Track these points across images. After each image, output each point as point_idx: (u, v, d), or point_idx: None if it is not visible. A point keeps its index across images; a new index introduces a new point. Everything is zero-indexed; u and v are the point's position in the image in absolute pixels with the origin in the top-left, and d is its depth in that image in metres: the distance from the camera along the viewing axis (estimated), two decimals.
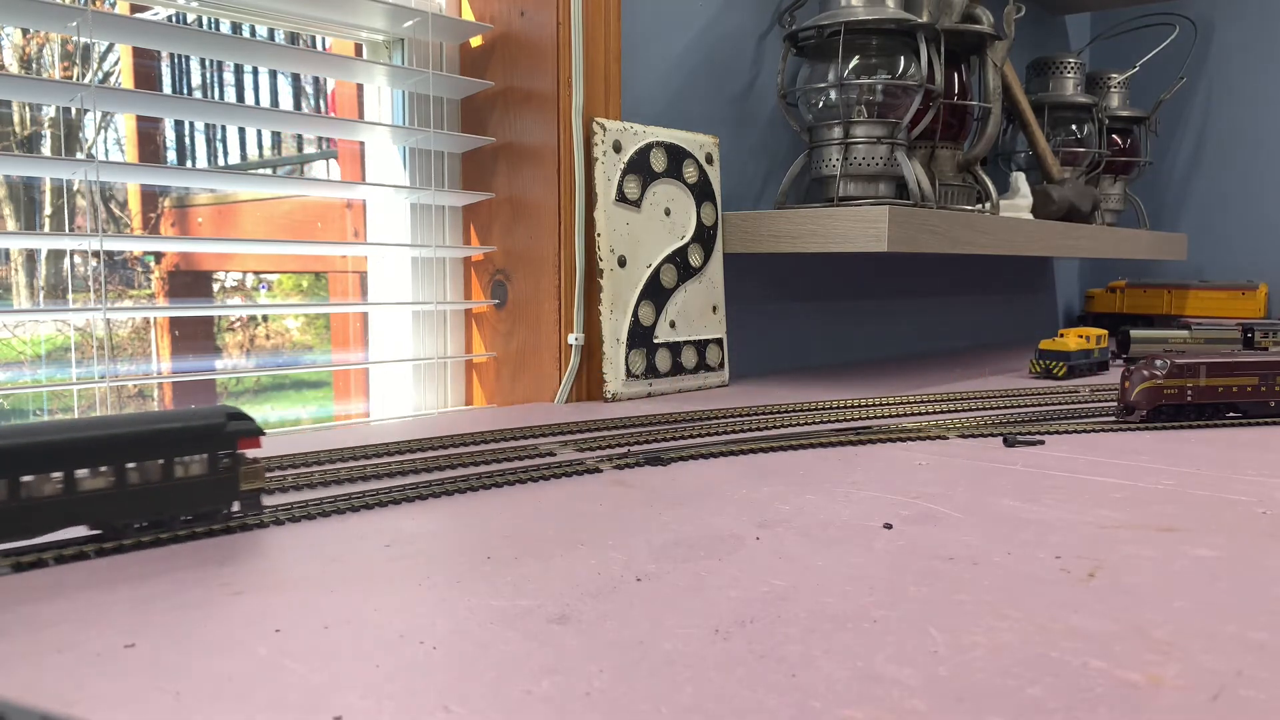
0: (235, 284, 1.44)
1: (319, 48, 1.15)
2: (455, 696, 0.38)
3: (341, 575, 0.52)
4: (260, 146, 1.47)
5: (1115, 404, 1.07)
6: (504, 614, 0.46)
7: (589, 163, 1.07)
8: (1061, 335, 1.38)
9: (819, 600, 0.49)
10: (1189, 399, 0.99)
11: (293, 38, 1.15)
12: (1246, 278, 1.91)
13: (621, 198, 1.10)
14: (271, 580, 0.51)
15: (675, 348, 1.16)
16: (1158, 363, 0.99)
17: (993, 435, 0.93)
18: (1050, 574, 0.53)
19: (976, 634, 0.45)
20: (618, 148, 1.10)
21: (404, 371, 1.13)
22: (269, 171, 1.52)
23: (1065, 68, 1.71)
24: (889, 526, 0.62)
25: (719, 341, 1.22)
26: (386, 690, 0.38)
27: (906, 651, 0.43)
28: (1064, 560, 0.56)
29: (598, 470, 0.77)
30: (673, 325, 1.16)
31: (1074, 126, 1.71)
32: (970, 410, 1.08)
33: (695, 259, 1.18)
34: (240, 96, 1.38)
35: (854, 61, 1.21)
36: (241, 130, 1.39)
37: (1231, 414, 1.01)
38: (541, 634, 0.44)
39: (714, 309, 1.22)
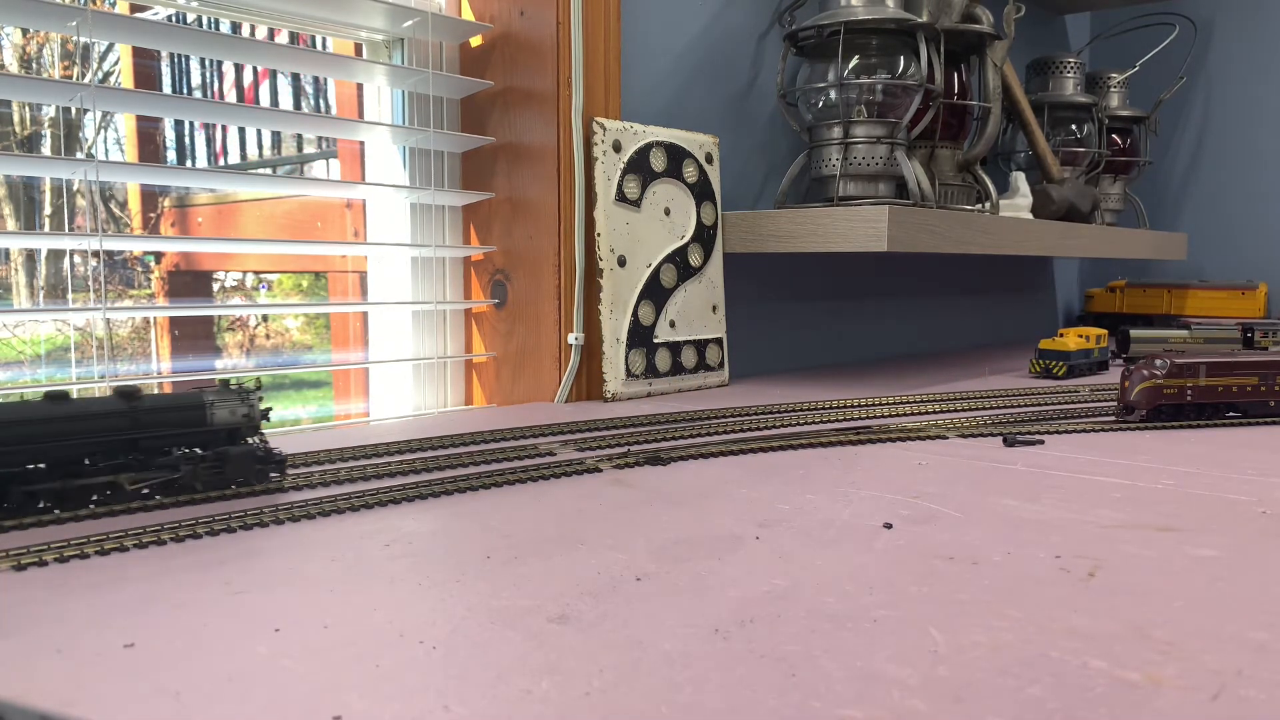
0: (235, 284, 1.44)
1: (320, 47, 1.15)
2: (455, 696, 0.38)
3: (341, 575, 0.52)
4: (260, 146, 1.47)
5: (1115, 404, 1.07)
6: (504, 613, 0.46)
7: (589, 162, 1.07)
8: (1061, 335, 1.38)
9: (819, 600, 0.49)
10: (1189, 399, 0.99)
11: (293, 38, 1.15)
12: (1246, 277, 1.91)
13: (621, 197, 1.10)
14: (271, 580, 0.51)
15: (675, 347, 1.16)
16: (1157, 362, 0.99)
17: (993, 435, 0.93)
18: (1050, 574, 0.53)
19: (976, 634, 0.45)
20: (617, 147, 1.10)
21: (404, 371, 1.12)
22: (269, 171, 1.52)
23: (1065, 67, 1.71)
24: (889, 526, 0.62)
25: (719, 341, 1.22)
26: (386, 690, 0.38)
27: (906, 651, 0.43)
28: (1064, 560, 0.56)
29: (598, 470, 0.77)
30: (672, 325, 1.16)
31: (1074, 126, 1.71)
32: (970, 410, 1.08)
33: (695, 259, 1.18)
34: (240, 96, 1.38)
35: (854, 61, 1.21)
36: (241, 130, 1.39)
37: (1231, 413, 1.01)
38: (541, 634, 0.44)
39: (714, 309, 1.22)
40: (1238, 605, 0.49)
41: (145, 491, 0.63)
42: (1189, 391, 0.99)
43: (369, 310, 1.17)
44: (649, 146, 1.13)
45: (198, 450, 0.65)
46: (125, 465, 0.63)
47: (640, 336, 1.12)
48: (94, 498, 0.62)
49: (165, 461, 0.64)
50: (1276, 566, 0.55)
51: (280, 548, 0.56)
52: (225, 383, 0.67)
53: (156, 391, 0.67)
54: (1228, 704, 0.38)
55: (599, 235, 1.08)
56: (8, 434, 0.58)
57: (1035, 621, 0.46)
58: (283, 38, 1.15)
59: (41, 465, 0.60)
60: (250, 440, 0.67)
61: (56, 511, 0.60)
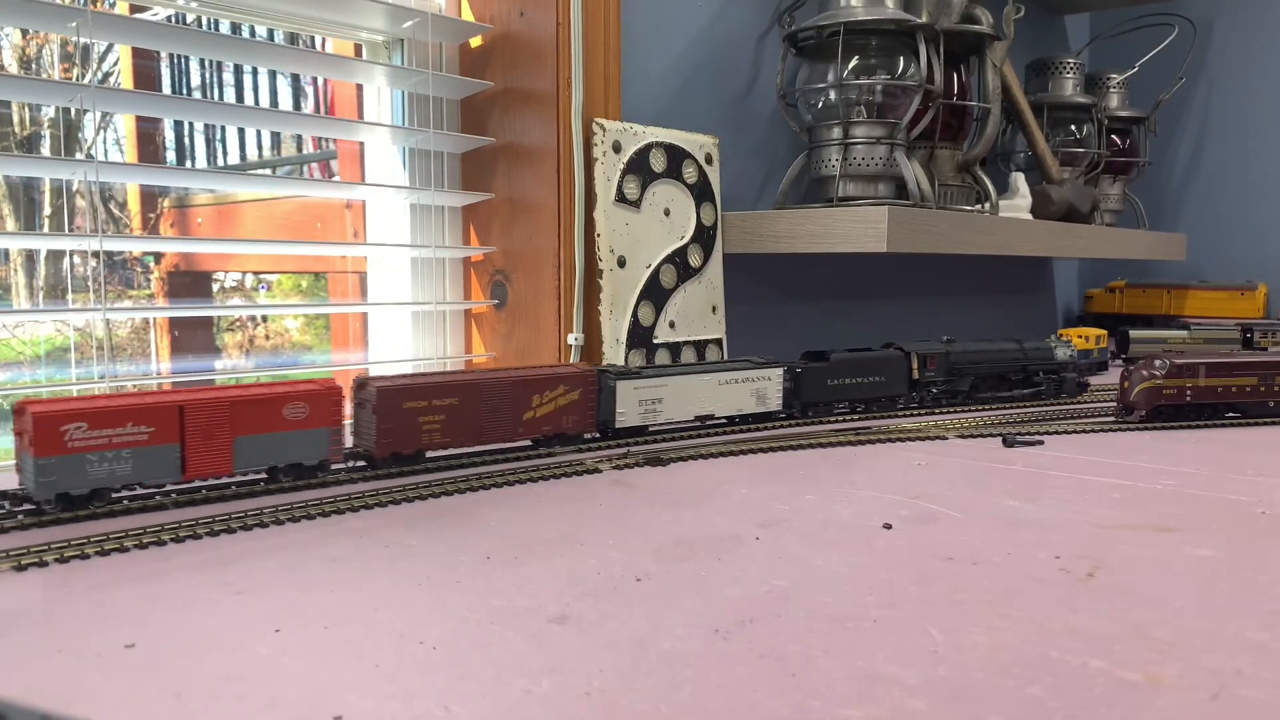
0: (235, 284, 1.44)
1: (319, 48, 1.15)
2: (455, 696, 0.38)
3: (342, 575, 0.52)
4: (260, 147, 1.47)
5: (1115, 404, 1.07)
6: (504, 614, 0.46)
7: (588, 163, 1.07)
8: (1061, 335, 1.38)
9: (819, 600, 0.49)
10: (1188, 399, 0.99)
11: (292, 38, 1.14)
12: (1245, 278, 1.91)
13: (621, 198, 1.10)
14: (272, 580, 0.51)
15: (675, 348, 1.16)
16: (1157, 363, 0.99)
17: (992, 435, 0.93)
18: (1050, 574, 0.53)
19: (976, 634, 0.45)
20: (617, 148, 1.10)
21: (403, 371, 1.12)
22: (269, 172, 1.52)
23: (1064, 68, 1.71)
24: (889, 526, 0.62)
25: (718, 342, 1.22)
26: (386, 690, 0.38)
27: (906, 651, 0.43)
28: (1063, 560, 0.56)
29: (597, 470, 0.77)
30: (672, 325, 1.16)
31: (1073, 127, 1.71)
32: (969, 410, 1.08)
33: (695, 259, 1.18)
34: (240, 97, 1.38)
35: (853, 62, 1.21)
36: (241, 130, 1.39)
37: (1231, 414, 1.01)
38: (541, 634, 0.44)
39: (713, 309, 1.22)
40: (1237, 605, 0.49)
41: (1028, 393, 1.15)
42: (1188, 392, 0.99)
43: (369, 311, 1.17)
44: (649, 147, 1.13)
45: (1050, 375, 1.16)
46: (1018, 381, 1.15)
47: (640, 337, 1.12)
48: (1000, 395, 1.14)
49: (1035, 380, 1.15)
50: (1275, 566, 0.55)
51: (280, 547, 0.56)
52: (1057, 336, 1.21)
53: (1030, 341, 1.19)
54: (1228, 704, 0.38)
55: (599, 236, 1.08)
56: (976, 358, 1.12)
57: (1035, 621, 0.46)
58: (281, 38, 1.15)
59: (972, 378, 1.12)
60: (1071, 372, 1.17)
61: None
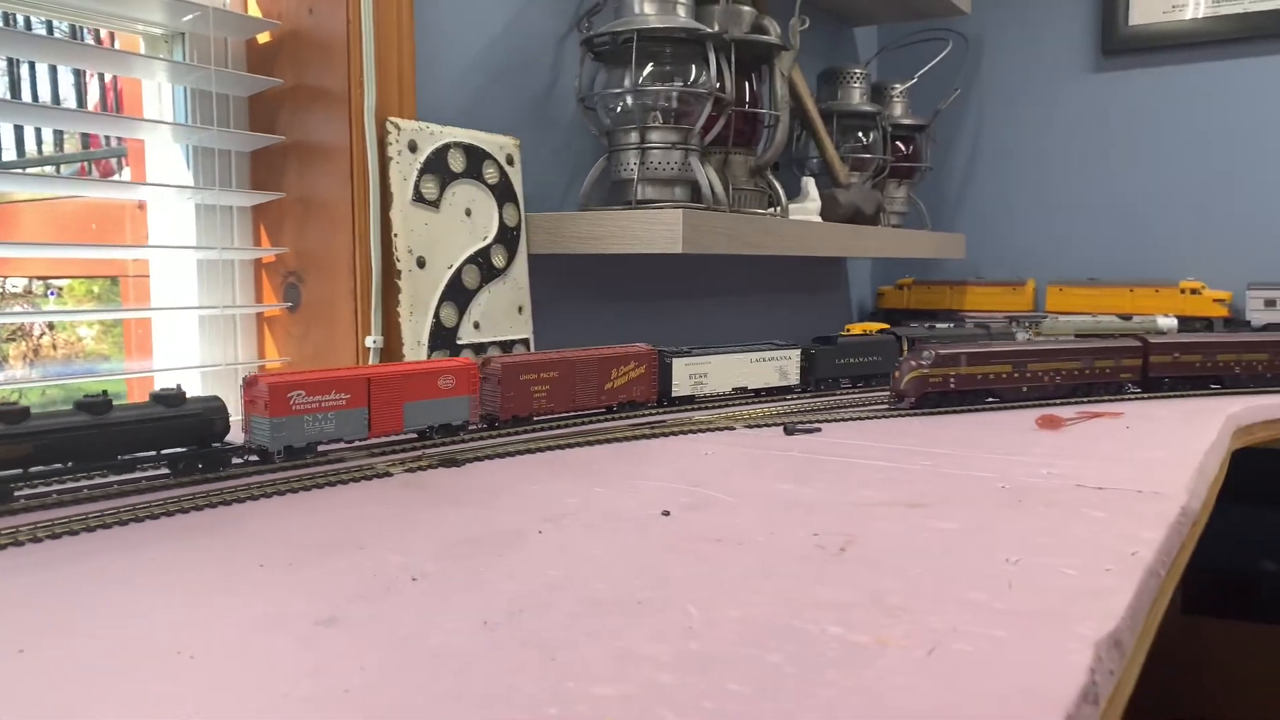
0: (17, 290, 1.34)
1: (105, 43, 1.09)
2: (207, 703, 0.38)
3: (102, 590, 0.50)
4: (40, 143, 1.37)
5: (888, 393, 1.15)
6: (271, 620, 0.46)
7: (383, 162, 1.06)
8: (847, 330, 1.47)
9: (590, 587, 0.51)
10: (952, 386, 1.07)
11: (74, 31, 1.08)
12: (1017, 274, 2.09)
13: (419, 198, 1.09)
14: (20, 598, 0.49)
15: (480, 349, 1.16)
16: (924, 353, 1.07)
17: (775, 425, 0.98)
18: (807, 550, 0.57)
19: (730, 609, 0.48)
20: (413, 147, 1.09)
21: (192, 379, 1.08)
22: (51, 170, 1.42)
23: (852, 78, 1.81)
24: (667, 514, 0.65)
25: (525, 342, 1.23)
26: (136, 702, 0.38)
27: (664, 629, 0.45)
28: (821, 537, 0.60)
29: (388, 474, 0.76)
30: (477, 326, 1.16)
31: (860, 134, 1.82)
32: (759, 402, 1.13)
33: (499, 260, 1.19)
34: (14, 90, 1.28)
35: (648, 68, 1.24)
36: (18, 125, 1.30)
37: (990, 399, 1.11)
38: (307, 637, 0.44)
39: (519, 309, 1.23)
40: (965, 570, 0.54)
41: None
42: (952, 380, 1.07)
43: (151, 316, 1.12)
44: (446, 147, 1.13)
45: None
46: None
47: (443, 338, 1.12)
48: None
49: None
50: (1005, 534, 0.61)
51: (35, 565, 0.54)
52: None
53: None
54: (940, 657, 0.43)
55: (396, 236, 1.07)
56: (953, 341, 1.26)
57: (785, 594, 0.50)
58: (41, 30, 1.08)
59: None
60: None
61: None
